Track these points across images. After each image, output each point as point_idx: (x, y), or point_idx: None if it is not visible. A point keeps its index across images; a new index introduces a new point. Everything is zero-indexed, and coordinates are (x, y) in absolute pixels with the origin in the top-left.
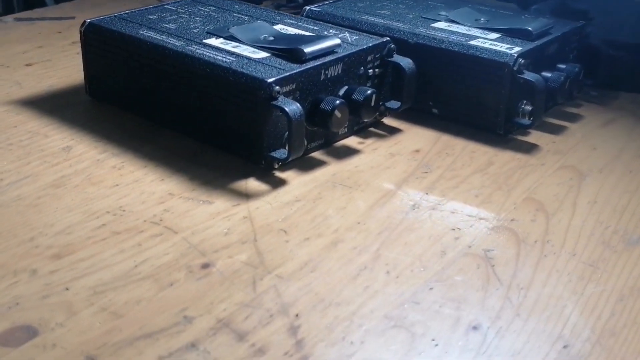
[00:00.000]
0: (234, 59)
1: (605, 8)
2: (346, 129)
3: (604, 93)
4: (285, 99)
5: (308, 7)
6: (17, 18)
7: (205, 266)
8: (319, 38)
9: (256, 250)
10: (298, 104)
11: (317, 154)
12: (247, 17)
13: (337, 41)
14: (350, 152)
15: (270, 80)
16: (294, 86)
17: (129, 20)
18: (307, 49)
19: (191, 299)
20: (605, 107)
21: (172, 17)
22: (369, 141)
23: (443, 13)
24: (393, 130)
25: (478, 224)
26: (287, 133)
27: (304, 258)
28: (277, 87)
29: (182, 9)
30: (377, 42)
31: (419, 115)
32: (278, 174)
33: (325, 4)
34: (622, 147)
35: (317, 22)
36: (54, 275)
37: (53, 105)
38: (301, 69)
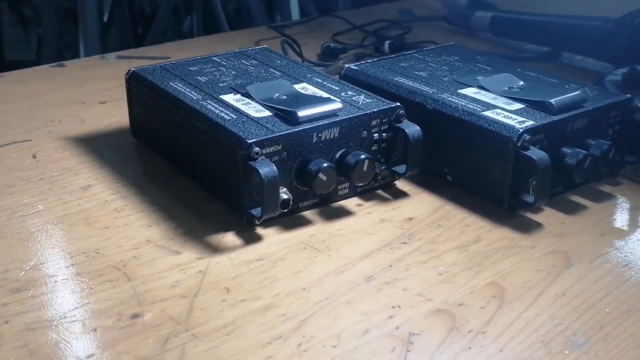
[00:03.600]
0: (234, 116)
1: None
2: (347, 190)
3: None
4: (265, 160)
5: (347, 66)
6: (119, 56)
7: (135, 316)
8: (320, 101)
9: (190, 306)
10: (273, 166)
11: (308, 213)
12: (279, 74)
13: (338, 105)
14: (342, 213)
15: (250, 140)
16: (279, 147)
17: (168, 71)
18: (302, 113)
19: (102, 347)
20: None
21: (210, 70)
22: (368, 204)
23: (479, 78)
24: (399, 195)
25: (422, 304)
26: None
27: (229, 320)
28: (257, 148)
29: (225, 62)
30: (385, 107)
31: (434, 180)
32: (259, 229)
33: (368, 62)
34: (635, 236)
35: (342, 82)
36: (3, 307)
37: (99, 144)
38: (289, 132)
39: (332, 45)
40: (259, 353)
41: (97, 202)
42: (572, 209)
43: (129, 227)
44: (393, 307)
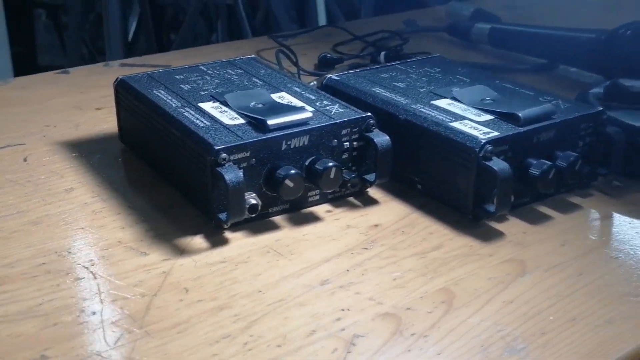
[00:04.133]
0: (208, 123)
1: None
2: (318, 197)
3: (630, 185)
4: (232, 166)
5: (328, 76)
6: (123, 64)
7: (94, 313)
8: (291, 110)
9: (148, 305)
10: (239, 172)
11: (278, 218)
12: (261, 83)
13: (308, 114)
14: (311, 219)
15: (218, 147)
16: (248, 154)
17: (154, 79)
18: (271, 121)
19: (59, 341)
20: (616, 200)
21: (194, 78)
22: (338, 210)
23: (455, 89)
24: (369, 202)
25: (371, 308)
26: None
27: (183, 318)
28: (224, 154)
29: (211, 71)
30: (356, 116)
31: (404, 189)
32: (227, 233)
33: (349, 73)
34: (595, 247)
35: (320, 92)
36: None
37: (89, 149)
38: (258, 139)
39: (328, 55)
40: (205, 351)
41: (77, 204)
42: (536, 219)
43: (103, 228)
44: (342, 310)
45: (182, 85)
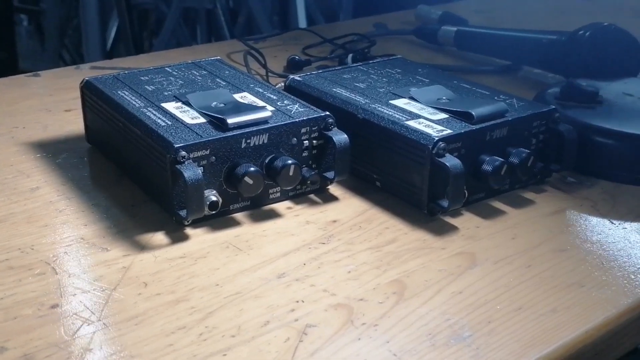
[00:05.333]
0: (169, 122)
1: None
2: (278, 194)
3: (583, 180)
4: (191, 163)
5: (291, 77)
6: (93, 66)
7: (54, 307)
8: (251, 109)
9: (106, 298)
10: (198, 170)
11: (239, 215)
12: (224, 83)
13: (268, 113)
14: (271, 215)
15: (177, 145)
16: (207, 152)
17: (120, 80)
18: (231, 120)
19: (17, 333)
20: (569, 196)
21: (159, 79)
22: (298, 207)
23: (412, 89)
24: (330, 199)
25: (324, 299)
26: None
27: (140, 311)
28: (183, 152)
29: (176, 72)
30: (315, 115)
31: (364, 186)
32: (188, 229)
33: (312, 74)
34: (544, 240)
35: (282, 92)
36: None
37: (56, 149)
38: (217, 137)
39: (297, 57)
40: (161, 341)
41: (42, 203)
42: (489, 214)
43: (67, 225)
44: (297, 302)
45: (147, 86)
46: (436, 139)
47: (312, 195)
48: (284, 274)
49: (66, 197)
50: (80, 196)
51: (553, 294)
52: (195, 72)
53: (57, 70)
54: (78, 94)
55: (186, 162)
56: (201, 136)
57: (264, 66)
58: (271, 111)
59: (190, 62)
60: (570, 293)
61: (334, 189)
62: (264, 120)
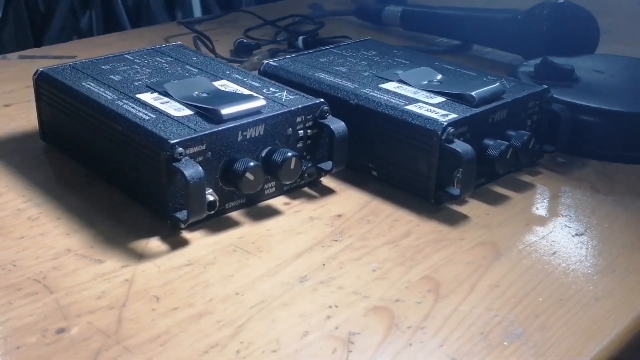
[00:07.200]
0: (153, 116)
1: (593, 67)
2: (274, 189)
3: (573, 160)
4: (189, 160)
5: (266, 62)
6: (22, 56)
7: (60, 331)
8: (243, 98)
9: (118, 317)
10: (199, 167)
11: (235, 214)
12: (196, 71)
13: (262, 102)
14: (270, 213)
15: (173, 141)
16: (204, 147)
17: (79, 70)
18: (225, 111)
19: None
20: (565, 177)
21: (123, 68)
22: (296, 202)
23: (399, 72)
24: (326, 192)
25: (359, 302)
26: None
27: (162, 329)
28: (180, 149)
29: (138, 60)
30: (309, 103)
31: (359, 176)
32: (184, 233)
33: (287, 58)
34: (559, 225)
35: (263, 79)
36: None
37: (7, 149)
38: (212, 131)
39: (245, 41)
40: None
41: (9, 211)
42: (495, 199)
43: (46, 236)
44: (330, 307)
45: (112, 76)
46: (445, 124)
47: (306, 189)
48: (306, 277)
49: (35, 203)
50: (50, 201)
51: (588, 281)
52: (159, 59)
53: None
54: (15, 85)
55: (183, 160)
56: (195, 130)
57: (213, 51)
58: (264, 100)
59: (150, 48)
60: (604, 278)
61: (327, 180)
62: (258, 110)
